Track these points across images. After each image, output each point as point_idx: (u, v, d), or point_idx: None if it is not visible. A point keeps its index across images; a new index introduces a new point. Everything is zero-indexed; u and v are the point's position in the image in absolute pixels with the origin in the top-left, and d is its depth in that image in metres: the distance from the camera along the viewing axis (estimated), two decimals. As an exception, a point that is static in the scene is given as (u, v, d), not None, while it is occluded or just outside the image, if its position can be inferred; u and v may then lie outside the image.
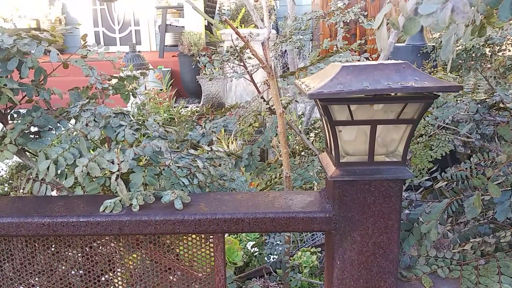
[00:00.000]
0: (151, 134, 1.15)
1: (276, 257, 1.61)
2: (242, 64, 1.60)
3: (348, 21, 2.69)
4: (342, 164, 0.92)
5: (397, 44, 3.78)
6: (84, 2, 7.98)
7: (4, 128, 1.11)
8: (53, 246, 1.00)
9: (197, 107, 5.55)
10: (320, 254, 2.01)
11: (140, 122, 1.13)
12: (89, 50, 1.14)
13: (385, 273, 0.95)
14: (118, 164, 0.99)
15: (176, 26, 6.92)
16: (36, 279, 1.03)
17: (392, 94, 0.86)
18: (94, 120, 1.03)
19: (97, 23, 8.14)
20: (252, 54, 1.28)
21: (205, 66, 1.82)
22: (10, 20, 7.17)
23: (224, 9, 7.32)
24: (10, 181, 1.69)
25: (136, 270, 1.03)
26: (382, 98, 0.85)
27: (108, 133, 1.05)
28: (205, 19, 6.25)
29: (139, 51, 5.46)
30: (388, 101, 0.86)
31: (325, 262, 1.06)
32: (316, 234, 2.28)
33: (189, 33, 6.04)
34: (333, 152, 0.92)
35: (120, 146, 1.05)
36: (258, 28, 3.07)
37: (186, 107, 5.31)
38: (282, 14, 6.93)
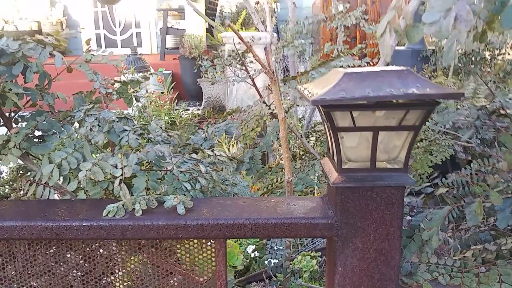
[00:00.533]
0: (154, 139, 1.15)
1: (277, 261, 1.61)
2: (244, 68, 1.60)
3: (349, 25, 2.70)
4: (345, 170, 0.92)
5: (397, 48, 3.78)
6: (85, 4, 8.00)
7: (9, 132, 1.11)
8: (55, 248, 1.01)
9: (198, 109, 5.56)
10: (320, 258, 2.01)
11: (143, 127, 1.13)
12: (93, 55, 1.14)
13: (387, 280, 0.96)
14: (122, 168, 1.00)
15: (177, 29, 6.94)
16: (38, 280, 1.03)
17: (394, 100, 0.87)
18: (98, 125, 1.03)
19: (98, 25, 8.16)
20: (255, 59, 1.29)
21: (206, 70, 1.83)
22: (11, 22, 7.19)
23: (225, 12, 7.34)
24: (11, 183, 1.69)
25: (138, 273, 1.04)
26: (384, 104, 0.86)
27: (112, 138, 1.06)
28: (206, 22, 6.26)
29: (140, 54, 5.48)
30: (390, 108, 0.86)
31: (326, 268, 1.06)
32: (317, 238, 2.28)
33: (190, 35, 6.06)
34: (335, 158, 0.92)
35: (123, 150, 1.06)
36: (259, 31, 3.08)
37: (187, 109, 5.31)
38: (282, 17, 6.95)
